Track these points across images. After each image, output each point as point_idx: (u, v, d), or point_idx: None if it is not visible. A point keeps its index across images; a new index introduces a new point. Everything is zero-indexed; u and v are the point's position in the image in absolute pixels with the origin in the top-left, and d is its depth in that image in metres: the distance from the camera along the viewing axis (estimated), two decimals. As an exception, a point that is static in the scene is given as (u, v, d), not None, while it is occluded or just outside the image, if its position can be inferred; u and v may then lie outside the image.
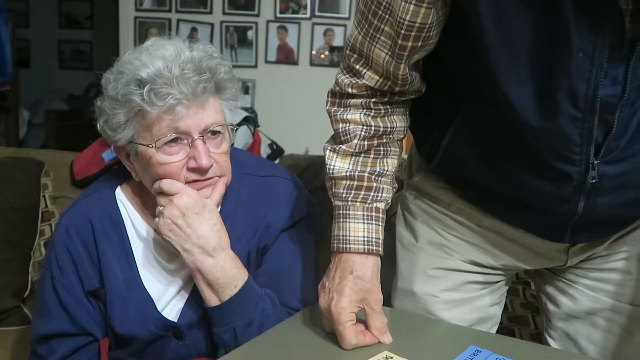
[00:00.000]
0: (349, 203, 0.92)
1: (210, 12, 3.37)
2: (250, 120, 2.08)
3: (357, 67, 0.88)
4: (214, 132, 1.00)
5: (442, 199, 1.02)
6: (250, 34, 3.36)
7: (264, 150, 2.30)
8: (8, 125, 4.33)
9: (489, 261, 1.02)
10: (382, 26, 0.83)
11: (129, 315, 1.05)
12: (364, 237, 0.91)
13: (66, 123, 5.32)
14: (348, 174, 0.92)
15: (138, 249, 1.08)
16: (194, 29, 3.39)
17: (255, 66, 3.37)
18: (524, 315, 1.51)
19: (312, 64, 3.35)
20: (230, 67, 1.04)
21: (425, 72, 0.93)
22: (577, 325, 1.04)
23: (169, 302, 1.07)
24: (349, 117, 0.92)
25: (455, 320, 1.02)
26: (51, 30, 6.32)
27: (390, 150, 0.95)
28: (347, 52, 0.89)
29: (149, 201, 1.06)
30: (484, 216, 0.99)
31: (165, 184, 0.99)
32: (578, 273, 1.02)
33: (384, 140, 0.93)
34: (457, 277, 1.03)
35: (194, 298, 1.05)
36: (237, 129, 1.88)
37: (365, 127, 0.91)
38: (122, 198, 1.10)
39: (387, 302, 1.10)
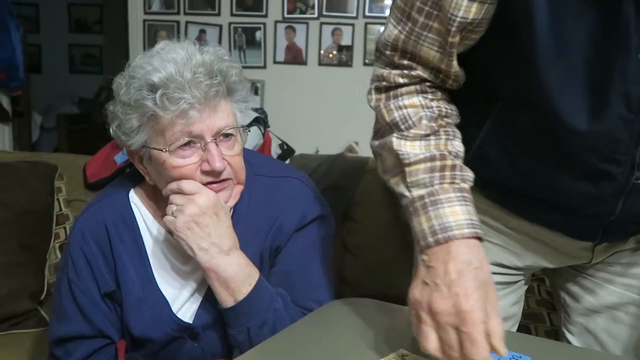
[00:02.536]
0: (436, 187, 0.80)
1: (219, 14, 3.38)
2: (261, 120, 2.08)
3: (406, 62, 0.84)
4: (226, 135, 1.01)
5: None
6: (259, 34, 3.37)
7: (274, 151, 2.29)
8: (21, 129, 4.37)
9: (513, 262, 1.02)
10: (431, 23, 0.79)
11: (145, 317, 1.06)
12: (465, 219, 0.78)
13: (78, 126, 5.38)
14: (428, 154, 0.81)
15: (152, 251, 1.09)
16: (202, 31, 3.40)
17: (264, 67, 3.38)
18: (540, 312, 1.51)
19: (320, 63, 3.35)
20: (240, 70, 1.04)
21: None
22: (598, 320, 1.04)
23: (183, 303, 1.08)
24: (405, 102, 0.85)
25: None
26: (61, 35, 6.38)
27: (456, 132, 0.87)
28: (387, 52, 0.84)
29: (163, 204, 1.06)
30: (511, 217, 0.97)
31: (186, 185, 0.99)
32: (600, 268, 1.01)
33: (450, 121, 0.86)
34: None
35: (209, 299, 1.06)
36: (249, 130, 1.88)
37: (427, 109, 0.84)
38: (136, 201, 1.11)
39: (399, 300, 1.10)
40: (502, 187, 0.94)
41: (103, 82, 6.06)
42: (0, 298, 1.62)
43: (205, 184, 1.00)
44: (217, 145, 0.99)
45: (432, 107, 0.85)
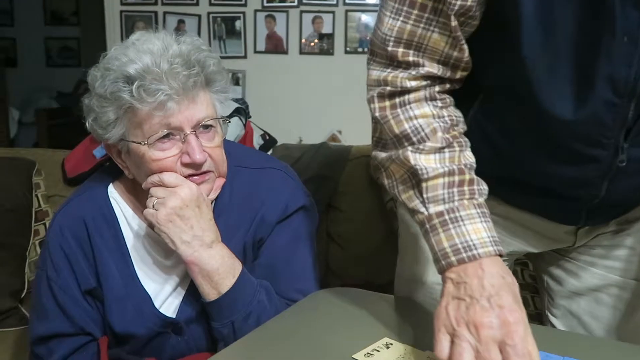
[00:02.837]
0: (456, 203, 0.77)
1: (197, 4, 3.33)
2: (242, 111, 2.06)
3: (411, 58, 0.79)
4: (206, 126, 0.99)
5: None
6: (238, 24, 3.33)
7: (257, 141, 2.28)
8: (-2, 125, 4.30)
9: None
10: (441, 6, 0.75)
11: (127, 313, 1.04)
12: (488, 237, 0.75)
13: (57, 121, 5.29)
14: (445, 169, 0.78)
15: (133, 246, 1.07)
16: (181, 21, 3.36)
17: (245, 56, 3.35)
18: (523, 296, 1.50)
19: (301, 52, 3.33)
20: (219, 59, 1.03)
21: None
22: (581, 303, 1.05)
23: (166, 298, 1.06)
24: (416, 112, 0.80)
25: None
26: (37, 28, 6.25)
27: (467, 142, 0.84)
28: (390, 47, 0.79)
29: (142, 198, 1.05)
30: (495, 203, 0.95)
31: (168, 177, 0.97)
32: (583, 251, 1.02)
33: (460, 130, 0.83)
34: None
35: (192, 293, 1.05)
36: (229, 121, 1.87)
37: (439, 119, 0.80)
38: (115, 195, 1.09)
39: (384, 289, 1.10)
40: (487, 174, 0.93)
41: (81, 75, 5.96)
42: (-20, 297, 1.60)
43: (186, 177, 0.99)
44: (196, 136, 0.97)
45: (444, 117, 0.81)
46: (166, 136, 0.96)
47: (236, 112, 2.02)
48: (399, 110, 0.81)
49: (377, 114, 0.83)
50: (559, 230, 0.98)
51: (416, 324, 0.96)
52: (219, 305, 0.99)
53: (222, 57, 1.05)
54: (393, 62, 0.81)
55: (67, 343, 1.05)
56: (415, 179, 0.80)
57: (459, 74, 0.83)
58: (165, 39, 0.98)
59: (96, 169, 1.87)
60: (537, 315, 1.48)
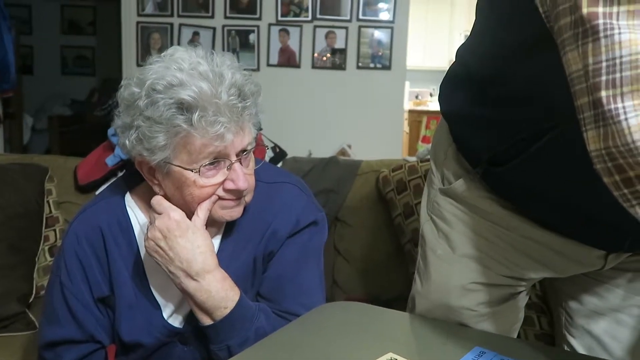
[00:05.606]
0: None
1: (212, 17, 3.38)
2: (253, 124, 2.09)
3: None
4: (245, 152, 0.99)
5: (483, 209, 0.95)
6: (252, 37, 3.37)
7: (267, 154, 2.30)
8: (12, 131, 4.35)
9: (528, 275, 0.98)
10: None
11: (136, 322, 1.05)
12: None
13: (69, 128, 5.35)
14: None
15: (146, 255, 1.07)
16: (195, 34, 3.40)
17: (258, 69, 3.38)
18: (529, 315, 1.51)
19: (314, 66, 3.36)
20: (257, 84, 1.01)
21: (525, 67, 0.77)
22: (601, 323, 1.03)
23: (174, 308, 1.07)
24: None
25: (488, 331, 1.00)
26: (54, 37, 6.35)
27: None
28: None
29: None
30: (533, 227, 0.92)
31: (155, 201, 0.98)
32: (608, 273, 1.00)
33: None
34: (494, 291, 0.99)
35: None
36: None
37: None
38: (132, 204, 1.09)
39: (390, 304, 1.10)
40: (541, 198, 0.87)
41: (96, 84, 6.04)
42: (-11, 301, 1.61)
43: (223, 200, 0.99)
44: (241, 163, 0.98)
45: None
46: (212, 163, 0.95)
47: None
48: None
49: None
50: (591, 255, 0.94)
51: (421, 339, 0.96)
52: (214, 329, 0.99)
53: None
54: None
55: (76, 350, 1.06)
56: None
57: None
58: (214, 65, 0.94)
59: (108, 177, 1.89)
60: (543, 336, 1.47)
